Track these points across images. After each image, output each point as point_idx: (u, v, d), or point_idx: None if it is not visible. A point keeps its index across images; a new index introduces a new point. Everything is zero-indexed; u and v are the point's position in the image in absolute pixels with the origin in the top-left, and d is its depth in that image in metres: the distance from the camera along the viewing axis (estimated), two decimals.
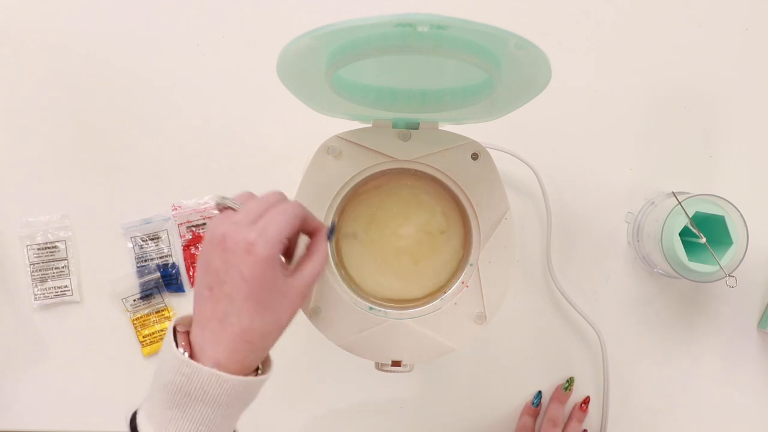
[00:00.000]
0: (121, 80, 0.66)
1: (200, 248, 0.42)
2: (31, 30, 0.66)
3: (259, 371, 0.42)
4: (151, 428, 0.39)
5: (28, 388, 0.65)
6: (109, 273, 0.65)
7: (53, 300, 0.65)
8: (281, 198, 0.44)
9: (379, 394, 0.66)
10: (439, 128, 0.51)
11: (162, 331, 0.65)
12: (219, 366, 0.39)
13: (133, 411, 0.41)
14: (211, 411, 0.39)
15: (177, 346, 0.39)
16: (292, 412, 0.66)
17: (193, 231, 0.65)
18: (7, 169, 0.66)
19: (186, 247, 0.65)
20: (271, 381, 0.42)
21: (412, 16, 0.35)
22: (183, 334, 0.41)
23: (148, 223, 0.65)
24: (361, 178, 0.51)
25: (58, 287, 0.65)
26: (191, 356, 0.39)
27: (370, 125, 0.51)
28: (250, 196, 0.45)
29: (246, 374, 0.40)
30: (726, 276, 0.57)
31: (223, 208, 0.43)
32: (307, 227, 0.45)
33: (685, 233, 0.57)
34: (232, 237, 0.39)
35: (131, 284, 0.65)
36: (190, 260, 0.65)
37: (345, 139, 0.50)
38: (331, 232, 0.50)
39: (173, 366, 0.39)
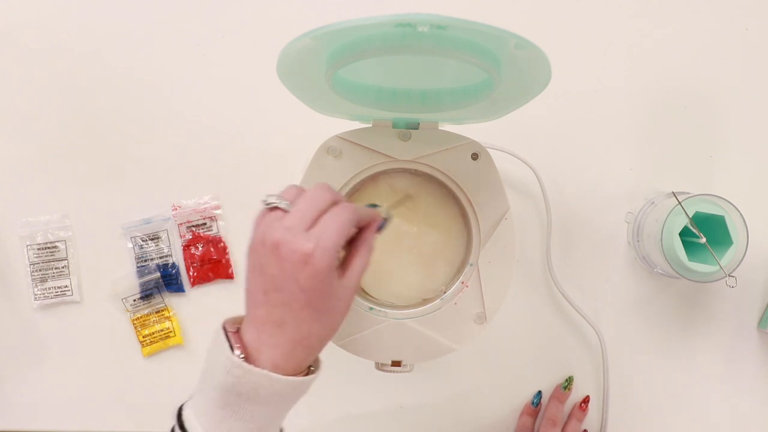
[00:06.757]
0: (121, 80, 0.66)
1: (249, 248, 0.41)
2: (31, 30, 0.66)
3: (311, 368, 0.43)
4: (200, 426, 0.39)
5: (28, 388, 0.65)
6: (109, 273, 0.65)
7: (53, 300, 0.65)
8: (331, 195, 0.41)
9: (379, 394, 0.66)
10: (439, 128, 0.52)
11: (162, 331, 0.65)
12: (276, 367, 0.39)
13: (179, 406, 0.41)
14: (263, 410, 0.39)
15: (231, 347, 0.39)
16: (291, 411, 0.66)
17: (193, 231, 0.65)
18: (7, 169, 0.66)
19: (186, 247, 0.65)
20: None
21: (412, 16, 0.34)
22: (235, 334, 0.40)
23: (148, 223, 0.65)
24: (361, 178, 0.51)
25: (58, 287, 0.65)
26: (246, 357, 0.39)
27: (370, 125, 0.51)
28: (298, 191, 0.42)
29: (298, 374, 0.41)
30: (726, 276, 0.57)
31: (272, 207, 0.41)
32: (359, 225, 0.43)
33: (685, 233, 0.57)
34: (288, 246, 0.38)
35: (131, 284, 0.65)
36: (190, 260, 0.65)
37: (345, 139, 0.50)
38: (383, 224, 0.45)
39: (225, 367, 0.38)
